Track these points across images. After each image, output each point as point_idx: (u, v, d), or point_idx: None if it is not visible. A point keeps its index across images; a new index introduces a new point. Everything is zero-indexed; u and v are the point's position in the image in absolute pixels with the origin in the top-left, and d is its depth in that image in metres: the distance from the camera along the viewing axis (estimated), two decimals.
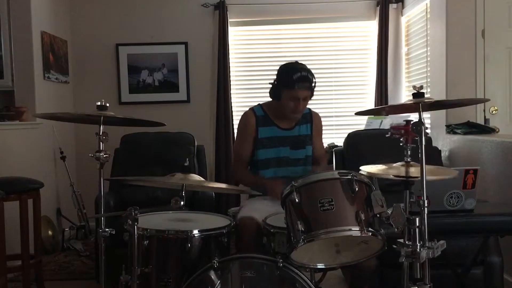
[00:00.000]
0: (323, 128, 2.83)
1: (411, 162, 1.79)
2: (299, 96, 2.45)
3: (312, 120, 2.69)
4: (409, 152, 1.79)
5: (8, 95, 4.13)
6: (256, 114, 2.63)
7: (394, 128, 1.80)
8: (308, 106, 2.67)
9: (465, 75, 3.71)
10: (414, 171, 1.74)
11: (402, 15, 4.87)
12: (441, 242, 1.69)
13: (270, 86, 2.58)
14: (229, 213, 2.35)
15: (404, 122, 1.76)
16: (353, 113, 2.28)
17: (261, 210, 2.28)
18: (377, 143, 3.24)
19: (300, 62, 2.57)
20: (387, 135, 1.82)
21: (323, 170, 2.31)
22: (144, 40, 4.96)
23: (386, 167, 1.85)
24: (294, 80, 2.42)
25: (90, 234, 4.39)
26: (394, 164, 1.84)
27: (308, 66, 2.55)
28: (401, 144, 1.79)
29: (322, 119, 2.79)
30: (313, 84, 2.49)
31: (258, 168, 2.63)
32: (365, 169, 1.84)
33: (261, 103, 2.70)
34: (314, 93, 2.55)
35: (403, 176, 1.73)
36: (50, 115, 2.60)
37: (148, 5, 4.98)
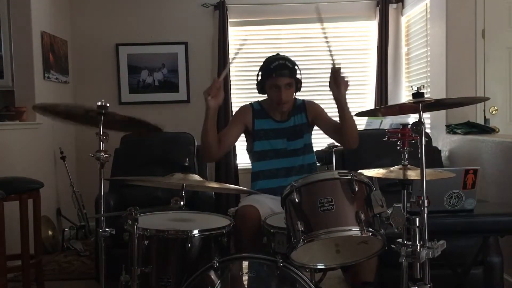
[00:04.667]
0: None
1: (409, 166, 1.81)
2: (279, 84, 2.48)
3: (306, 109, 2.66)
4: (406, 155, 1.80)
5: (8, 95, 4.13)
6: (253, 107, 2.68)
7: (391, 132, 1.81)
8: (303, 99, 2.70)
9: (465, 75, 3.71)
10: (411, 174, 1.74)
11: (402, 15, 4.87)
12: (441, 242, 1.69)
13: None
14: (229, 213, 2.34)
15: (401, 126, 1.77)
16: (353, 114, 2.30)
17: (262, 202, 2.33)
18: (377, 143, 3.21)
19: (281, 54, 2.59)
20: (384, 139, 1.83)
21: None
22: (144, 40, 4.96)
23: (385, 170, 1.85)
24: (272, 69, 2.48)
25: (90, 234, 4.39)
26: (392, 168, 1.85)
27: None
28: (398, 148, 1.80)
29: None
30: (294, 72, 2.50)
31: (255, 159, 2.65)
32: (363, 172, 1.84)
33: (259, 100, 2.74)
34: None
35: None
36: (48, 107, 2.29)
37: (148, 5, 4.98)
